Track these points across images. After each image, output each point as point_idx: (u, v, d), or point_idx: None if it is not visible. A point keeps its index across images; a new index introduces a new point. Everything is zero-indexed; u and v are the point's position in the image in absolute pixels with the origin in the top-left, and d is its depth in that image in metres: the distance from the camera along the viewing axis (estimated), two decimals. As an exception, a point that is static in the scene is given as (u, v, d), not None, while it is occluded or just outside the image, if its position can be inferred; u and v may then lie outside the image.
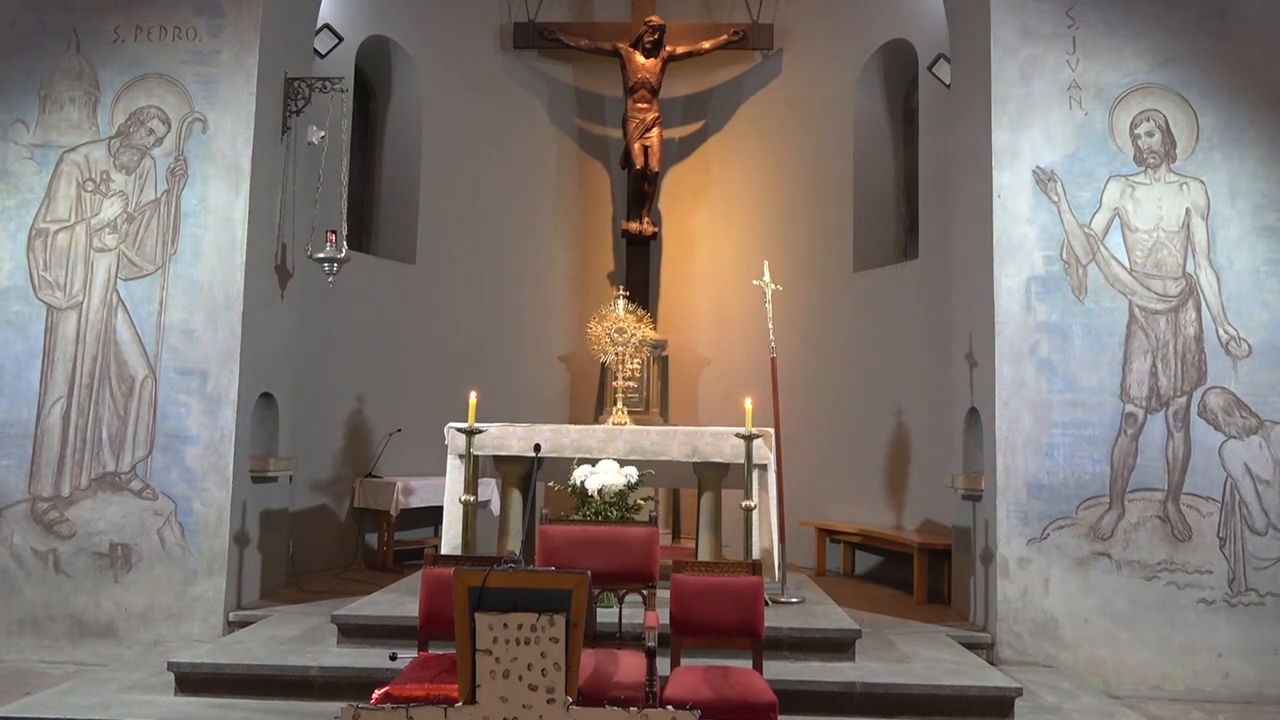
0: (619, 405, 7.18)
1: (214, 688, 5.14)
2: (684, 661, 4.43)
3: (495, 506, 8.29)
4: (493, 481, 8.08)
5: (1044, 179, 6.48)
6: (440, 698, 3.72)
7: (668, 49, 9.58)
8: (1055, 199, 6.46)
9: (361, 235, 9.15)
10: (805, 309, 9.10)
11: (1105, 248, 6.42)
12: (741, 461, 6.04)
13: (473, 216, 9.70)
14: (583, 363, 9.62)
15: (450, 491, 6.41)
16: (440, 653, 4.36)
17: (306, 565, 7.86)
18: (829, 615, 5.77)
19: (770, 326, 6.83)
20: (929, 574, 7.45)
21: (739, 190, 10.05)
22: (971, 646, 6.01)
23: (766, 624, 4.59)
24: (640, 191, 9.69)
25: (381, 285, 8.98)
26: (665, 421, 9.33)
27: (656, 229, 9.92)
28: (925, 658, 5.59)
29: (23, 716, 4.77)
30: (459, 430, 6.10)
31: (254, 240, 6.68)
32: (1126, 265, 6.40)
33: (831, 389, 9.14)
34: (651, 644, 3.88)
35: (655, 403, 9.48)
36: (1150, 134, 6.49)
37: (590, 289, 9.99)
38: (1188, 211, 6.43)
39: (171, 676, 5.19)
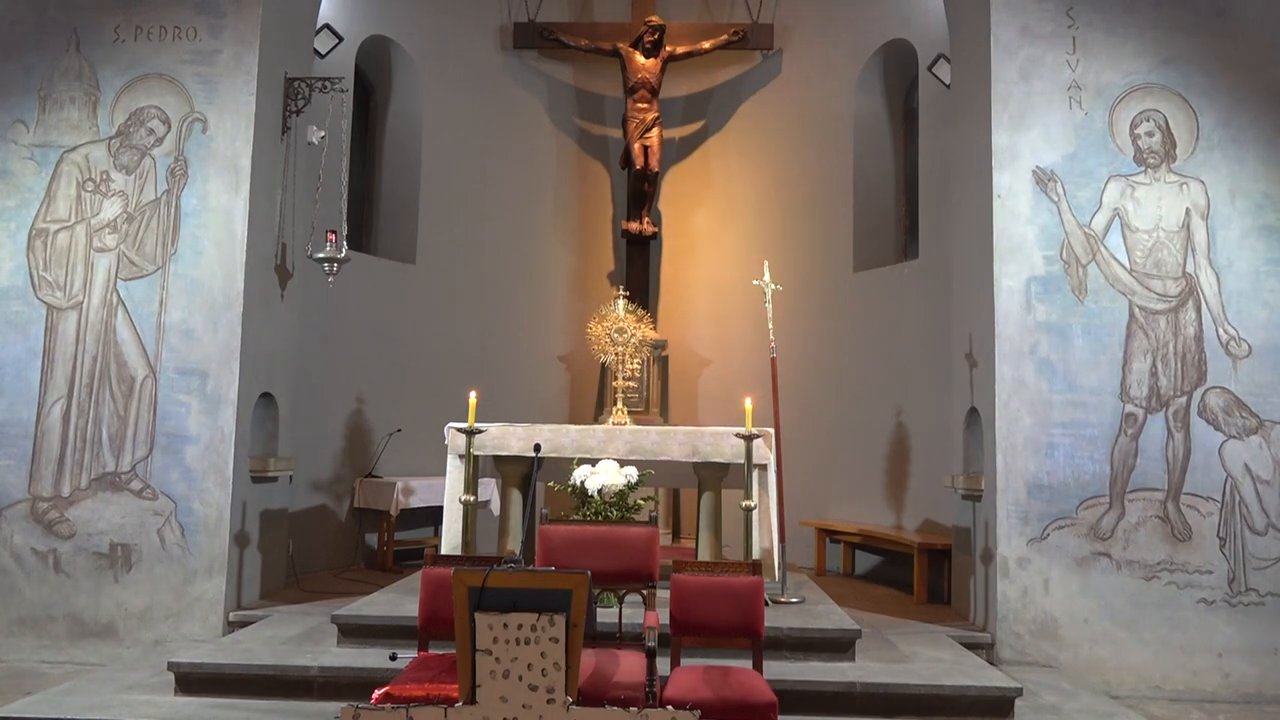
0: (619, 405, 7.18)
1: (214, 688, 5.13)
2: (684, 661, 4.44)
3: (495, 506, 8.29)
4: (493, 481, 8.08)
5: (1044, 179, 6.48)
6: (440, 698, 3.72)
7: (668, 49, 9.58)
8: (1055, 199, 6.46)
9: (361, 235, 9.15)
10: (805, 309, 9.09)
11: (1105, 248, 6.42)
12: (741, 461, 6.04)
13: (473, 217, 9.70)
14: (583, 363, 9.62)
15: (450, 491, 6.41)
16: (440, 653, 4.37)
17: (306, 565, 7.85)
18: (829, 615, 5.77)
19: (770, 326, 6.83)
20: (929, 574, 7.45)
21: (739, 190, 10.05)
22: (971, 646, 6.01)
23: (766, 624, 4.59)
24: (640, 191, 9.69)
25: (381, 285, 8.98)
26: (665, 421, 9.33)
27: (656, 229, 9.91)
28: (925, 658, 5.59)
29: (23, 716, 4.77)
30: (459, 430, 6.10)
31: (254, 240, 6.68)
32: (1126, 265, 6.40)
33: (831, 389, 9.14)
34: (651, 644, 3.88)
35: (655, 403, 9.48)
36: (1150, 134, 6.49)
37: (590, 289, 9.99)
38: (1188, 211, 6.43)
39: (171, 676, 5.19)
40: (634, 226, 9.76)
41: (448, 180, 9.58)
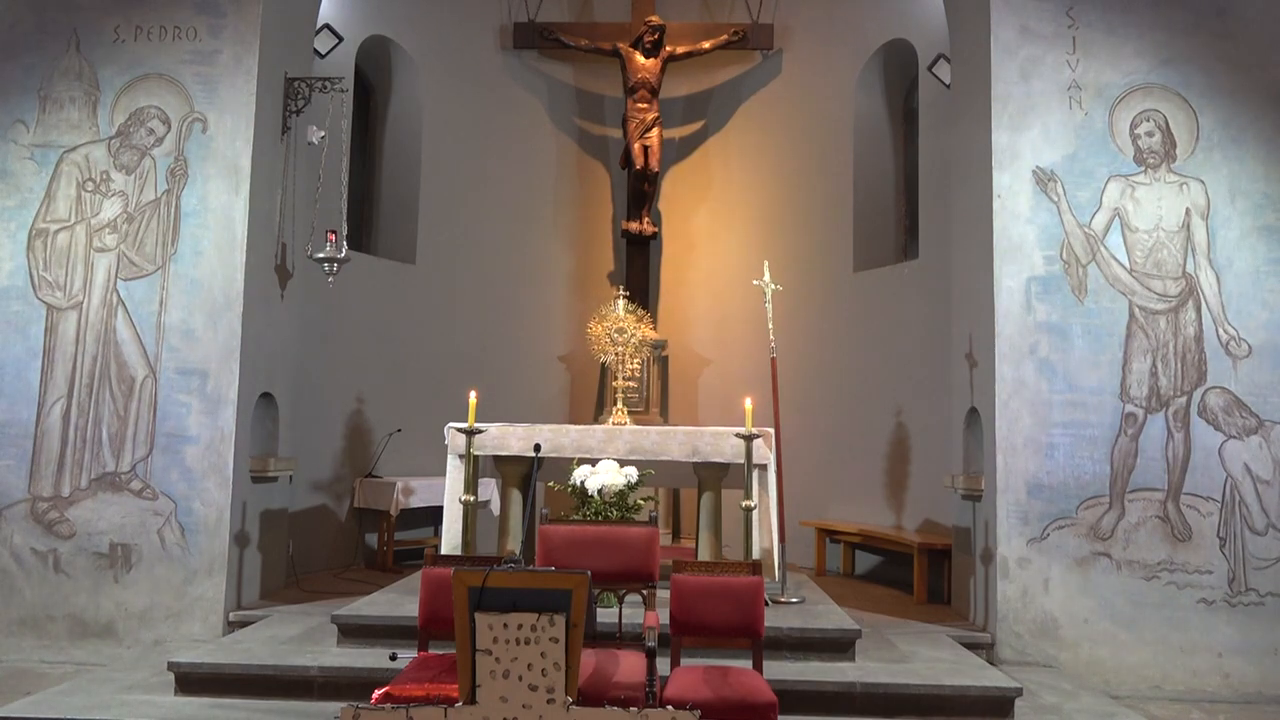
0: (619, 405, 7.18)
1: (214, 688, 5.14)
2: (684, 661, 4.43)
3: (495, 506, 8.29)
4: (493, 481, 8.08)
5: (1044, 179, 6.48)
6: (440, 698, 3.72)
7: (668, 49, 9.58)
8: (1055, 199, 6.46)
9: (361, 235, 9.15)
10: (805, 309, 9.10)
11: (1105, 248, 6.42)
12: (741, 461, 6.04)
13: (473, 216, 9.70)
14: (583, 363, 9.62)
15: (450, 491, 6.41)
16: (440, 653, 4.36)
17: (306, 565, 7.85)
18: (829, 615, 5.77)
19: (770, 326, 6.83)
20: (929, 574, 7.45)
21: (739, 190, 10.05)
22: (971, 646, 6.01)
23: (766, 624, 4.58)
24: (640, 191, 9.68)
25: (381, 285, 8.98)
26: (665, 421, 9.33)
27: (656, 229, 9.91)
28: (925, 658, 5.59)
29: (23, 716, 4.77)
30: (459, 430, 6.10)
31: (254, 240, 6.68)
32: (1126, 265, 6.40)
33: (831, 389, 9.14)
34: (651, 644, 3.88)
35: (655, 403, 9.48)
36: (1150, 134, 6.49)
37: (590, 289, 9.99)
38: (1188, 211, 6.43)
39: (171, 676, 5.19)
40: (634, 226, 9.76)
41: (448, 180, 9.58)
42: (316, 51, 8.11)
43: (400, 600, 5.96)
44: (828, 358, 9.19)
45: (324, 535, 8.39)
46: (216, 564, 6.36)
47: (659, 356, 9.54)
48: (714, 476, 6.53)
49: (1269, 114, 6.46)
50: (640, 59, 9.57)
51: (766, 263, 7.17)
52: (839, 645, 5.44)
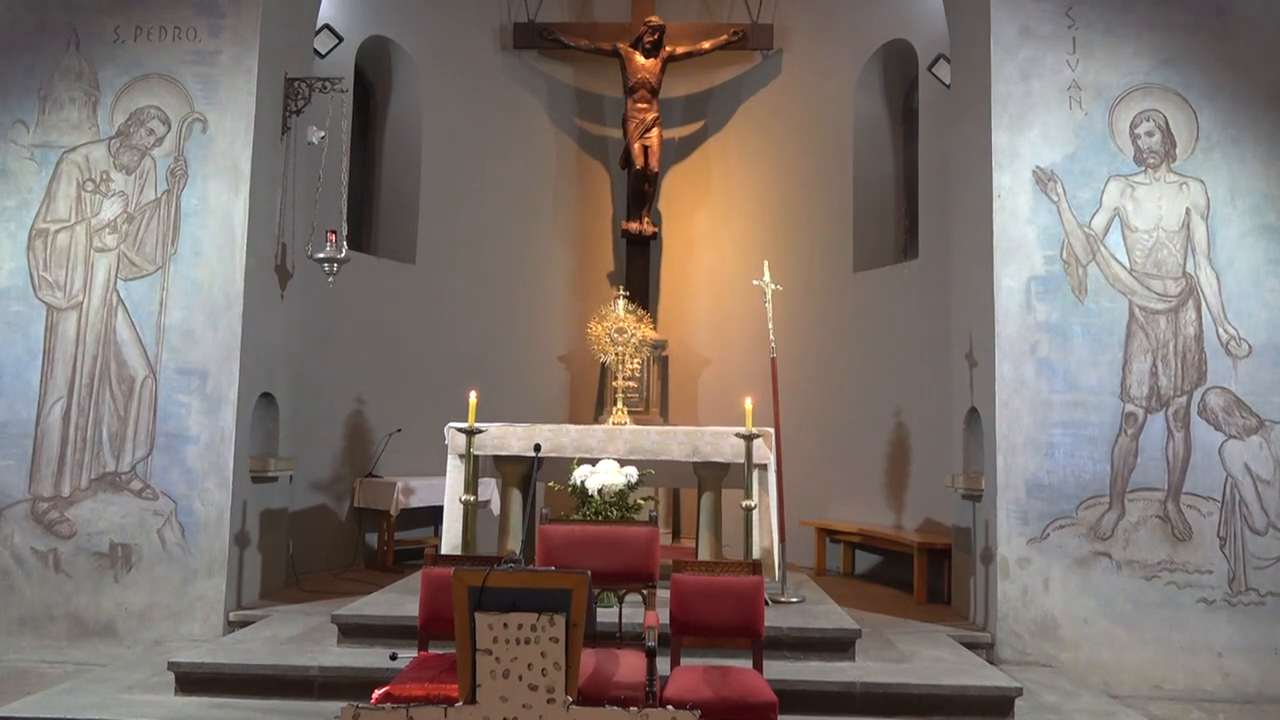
0: (619, 405, 7.18)
1: (214, 688, 5.14)
2: (684, 661, 4.44)
3: (495, 506, 8.29)
4: (493, 481, 8.08)
5: (1044, 179, 6.48)
6: (440, 698, 3.72)
7: (667, 49, 9.58)
8: (1055, 199, 6.46)
9: (361, 235, 9.15)
10: (805, 309, 9.10)
11: (1105, 248, 6.42)
12: (741, 461, 6.04)
13: (473, 216, 9.70)
14: (583, 363, 9.62)
15: (450, 491, 6.41)
16: (440, 653, 4.37)
17: (306, 565, 7.85)
18: (829, 615, 5.77)
19: (770, 326, 6.83)
20: (929, 574, 7.45)
21: (739, 190, 10.06)
22: (971, 646, 6.01)
23: (766, 624, 4.58)
24: (640, 191, 9.69)
25: (381, 285, 8.98)
26: (665, 421, 9.33)
27: (656, 229, 9.92)
28: (925, 657, 5.59)
29: (23, 716, 4.77)
30: (459, 430, 6.10)
31: (254, 240, 6.68)
32: (1126, 265, 6.41)
33: (831, 389, 9.14)
34: (651, 644, 3.88)
35: (655, 403, 9.48)
36: (1150, 134, 6.49)
37: (590, 289, 9.99)
38: (1188, 211, 6.43)
39: (171, 676, 5.19)
40: (634, 226, 9.76)
41: (448, 180, 9.58)
42: (316, 51, 8.11)
43: (400, 600, 5.96)
44: (828, 358, 9.19)
45: (324, 535, 8.39)
46: (216, 564, 6.36)
47: (659, 356, 9.54)
48: (714, 476, 6.54)
49: (1269, 114, 6.46)
50: (640, 59, 9.57)
51: (766, 263, 7.17)
52: (839, 645, 5.44)
